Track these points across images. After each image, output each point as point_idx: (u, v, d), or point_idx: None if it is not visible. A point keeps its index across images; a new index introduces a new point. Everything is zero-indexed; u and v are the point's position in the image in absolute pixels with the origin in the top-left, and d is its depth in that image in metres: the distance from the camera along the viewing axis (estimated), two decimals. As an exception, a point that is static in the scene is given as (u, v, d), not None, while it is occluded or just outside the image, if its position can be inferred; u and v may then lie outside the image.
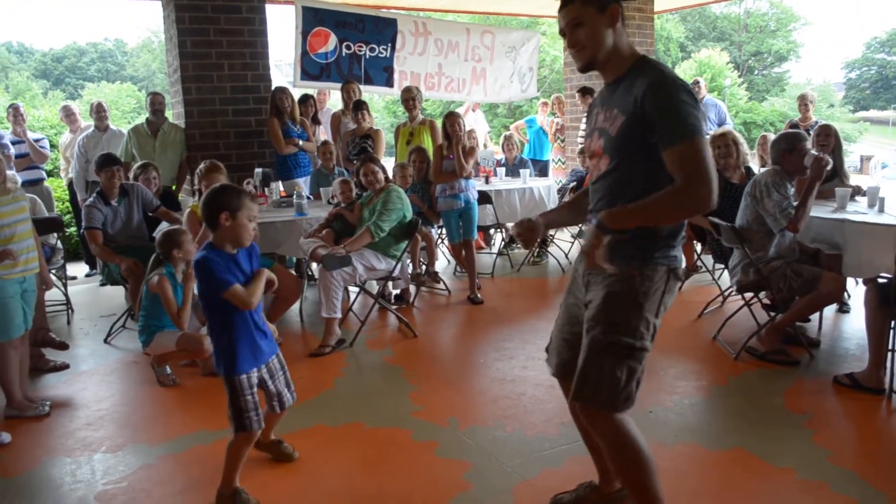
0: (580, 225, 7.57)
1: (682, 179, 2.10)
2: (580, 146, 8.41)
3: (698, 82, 9.52)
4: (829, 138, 5.29)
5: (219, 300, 2.78)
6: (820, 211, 4.62)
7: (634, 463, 2.33)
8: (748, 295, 4.75)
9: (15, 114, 7.49)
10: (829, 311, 5.28)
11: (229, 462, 2.90)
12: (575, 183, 7.94)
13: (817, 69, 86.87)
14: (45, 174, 7.74)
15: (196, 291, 4.13)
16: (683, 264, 2.45)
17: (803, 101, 8.01)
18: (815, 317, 4.96)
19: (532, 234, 2.50)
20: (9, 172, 6.16)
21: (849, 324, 5.24)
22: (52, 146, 8.84)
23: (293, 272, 6.46)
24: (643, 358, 2.30)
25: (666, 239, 2.29)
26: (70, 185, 7.83)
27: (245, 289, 2.81)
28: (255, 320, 2.90)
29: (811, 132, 5.62)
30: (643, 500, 2.35)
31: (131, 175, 6.05)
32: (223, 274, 2.75)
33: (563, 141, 10.14)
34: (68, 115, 8.09)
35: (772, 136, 6.59)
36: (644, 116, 2.14)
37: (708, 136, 4.95)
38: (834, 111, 40.66)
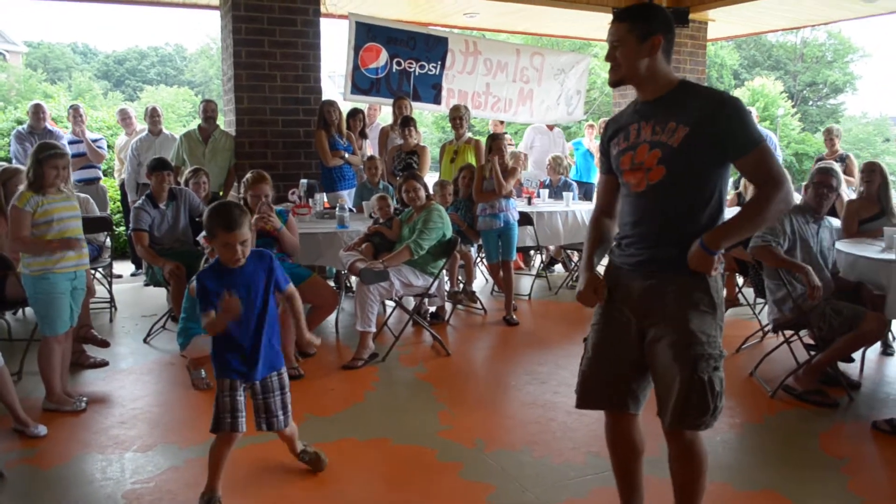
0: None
1: (766, 181, 2.29)
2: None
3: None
4: (873, 174, 5.18)
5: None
6: (867, 250, 4.51)
7: (705, 477, 2.49)
8: (788, 332, 4.66)
9: (75, 114, 7.77)
10: (872, 353, 5.14)
11: (209, 463, 2.96)
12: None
13: (874, 102, 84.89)
14: (101, 174, 7.99)
15: None
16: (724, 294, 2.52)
17: (829, 135, 8.22)
18: (856, 358, 4.83)
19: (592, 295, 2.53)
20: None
21: (892, 367, 5.10)
22: (109, 147, 9.10)
23: (332, 283, 6.53)
24: (721, 365, 2.39)
25: None
26: (122, 186, 8.05)
27: (213, 318, 2.83)
28: (238, 341, 2.94)
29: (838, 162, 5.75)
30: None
31: (182, 179, 6.20)
32: (205, 299, 2.85)
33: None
34: (124, 118, 8.33)
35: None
36: (711, 130, 2.28)
37: None
38: (890, 145, 39.68)
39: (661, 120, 2.37)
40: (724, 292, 2.52)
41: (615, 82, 2.46)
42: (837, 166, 4.73)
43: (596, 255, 2.65)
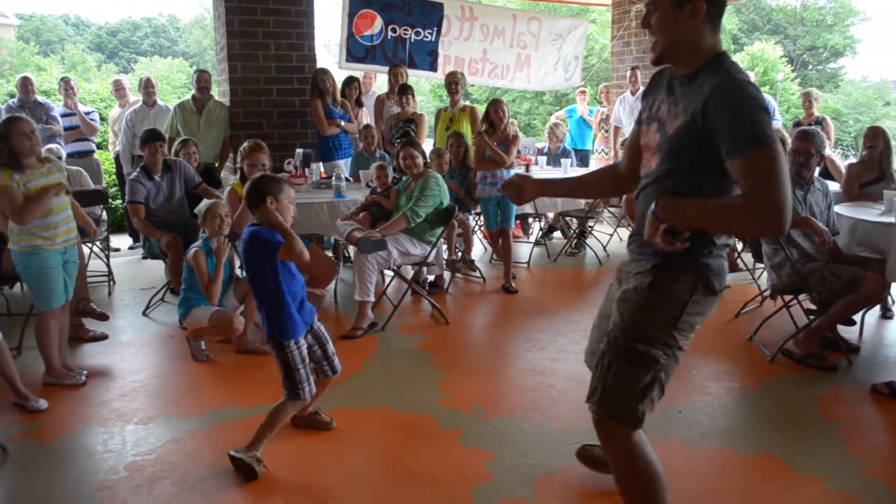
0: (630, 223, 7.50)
1: (750, 192, 1.88)
2: (622, 140, 8.29)
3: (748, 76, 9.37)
4: (876, 140, 5.15)
5: (266, 269, 2.95)
6: (866, 213, 4.50)
7: (641, 491, 2.22)
8: (787, 296, 4.65)
9: (66, 87, 7.69)
10: (872, 316, 5.14)
11: (269, 423, 3.05)
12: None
13: (875, 66, 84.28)
14: (95, 146, 7.92)
15: (240, 263, 4.31)
16: (726, 278, 2.22)
17: (808, 98, 8.21)
18: (856, 321, 4.83)
19: (518, 192, 2.54)
20: (52, 146, 6.32)
21: (891, 330, 5.10)
22: (103, 119, 9.02)
23: (330, 254, 6.52)
24: (653, 368, 2.12)
25: (702, 240, 2.08)
26: (117, 158, 8.00)
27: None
28: (297, 285, 3.09)
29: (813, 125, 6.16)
30: None
31: (172, 151, 6.14)
32: (275, 239, 2.94)
33: (607, 131, 10.01)
34: (118, 89, 8.26)
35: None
36: (705, 123, 1.96)
37: None
38: (890, 109, 39.43)
39: (678, 100, 2.10)
40: (725, 275, 2.20)
41: (656, 59, 2.12)
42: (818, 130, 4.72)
43: (561, 186, 2.67)
